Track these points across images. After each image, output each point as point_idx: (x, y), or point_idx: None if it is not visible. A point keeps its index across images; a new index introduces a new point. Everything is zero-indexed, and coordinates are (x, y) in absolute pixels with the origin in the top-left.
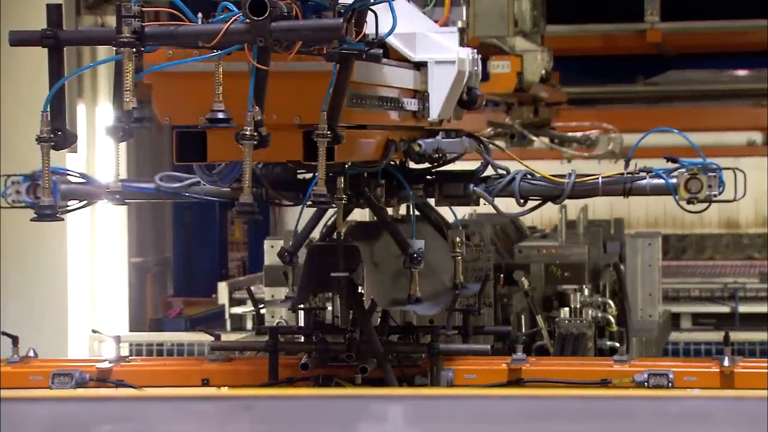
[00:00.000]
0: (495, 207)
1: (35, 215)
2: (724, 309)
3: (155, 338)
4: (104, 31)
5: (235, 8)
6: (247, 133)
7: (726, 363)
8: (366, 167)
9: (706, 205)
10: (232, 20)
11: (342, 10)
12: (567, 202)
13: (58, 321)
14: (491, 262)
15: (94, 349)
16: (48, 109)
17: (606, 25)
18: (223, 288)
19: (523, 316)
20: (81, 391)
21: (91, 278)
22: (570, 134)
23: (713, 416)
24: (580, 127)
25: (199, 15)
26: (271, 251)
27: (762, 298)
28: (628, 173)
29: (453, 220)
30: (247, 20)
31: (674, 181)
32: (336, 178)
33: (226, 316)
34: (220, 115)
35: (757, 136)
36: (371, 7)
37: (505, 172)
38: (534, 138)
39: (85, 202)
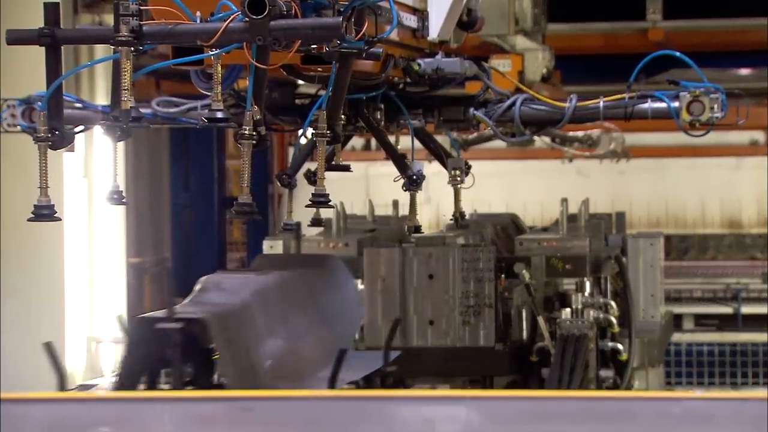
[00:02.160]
0: (494, 130)
1: (33, 215)
2: (727, 310)
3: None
4: (102, 30)
5: (233, 7)
6: (246, 132)
7: None
8: (365, 83)
9: (707, 129)
10: (230, 19)
11: (341, 9)
12: (568, 195)
13: (56, 322)
14: (492, 262)
15: (91, 351)
16: (46, 109)
17: (607, 24)
18: None
19: (523, 311)
20: (81, 393)
21: (89, 279)
22: (571, 133)
23: (715, 418)
24: (582, 126)
25: (198, 13)
26: (270, 251)
27: (765, 299)
28: (629, 97)
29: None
30: (246, 19)
31: (676, 104)
32: None
33: None
34: (219, 115)
35: (760, 136)
36: (371, 6)
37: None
38: (535, 137)
39: (82, 127)
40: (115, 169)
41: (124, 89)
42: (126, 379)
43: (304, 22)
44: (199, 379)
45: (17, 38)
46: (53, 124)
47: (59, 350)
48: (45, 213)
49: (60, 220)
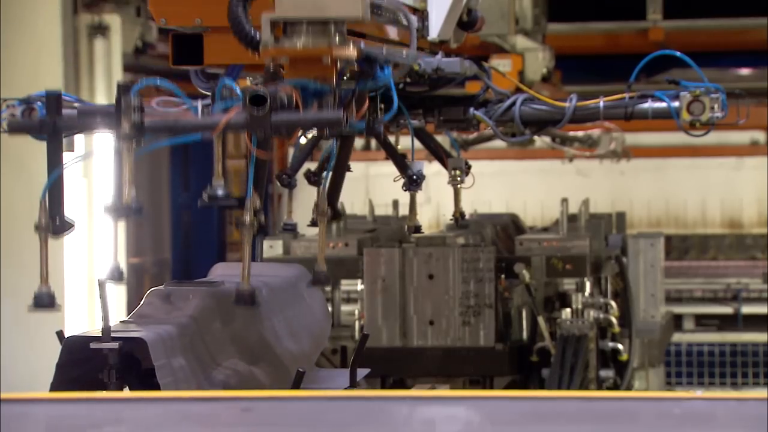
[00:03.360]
0: (495, 130)
1: (32, 305)
2: (727, 310)
3: None
4: (104, 118)
5: (233, 85)
6: (247, 221)
7: None
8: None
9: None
10: (231, 113)
11: (342, 94)
12: (568, 195)
13: (55, 322)
14: (492, 262)
15: None
16: (46, 198)
17: (607, 24)
18: None
19: (523, 311)
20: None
21: (89, 279)
22: (572, 133)
23: (715, 418)
24: (582, 126)
25: (198, 103)
26: (270, 251)
27: (765, 299)
28: (630, 97)
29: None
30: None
31: (676, 104)
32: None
33: None
34: (220, 192)
35: (761, 135)
36: (372, 94)
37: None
38: (535, 137)
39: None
40: (116, 247)
41: (126, 182)
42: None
43: (306, 117)
44: None
45: (19, 128)
46: (53, 212)
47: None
48: (45, 303)
49: (59, 311)
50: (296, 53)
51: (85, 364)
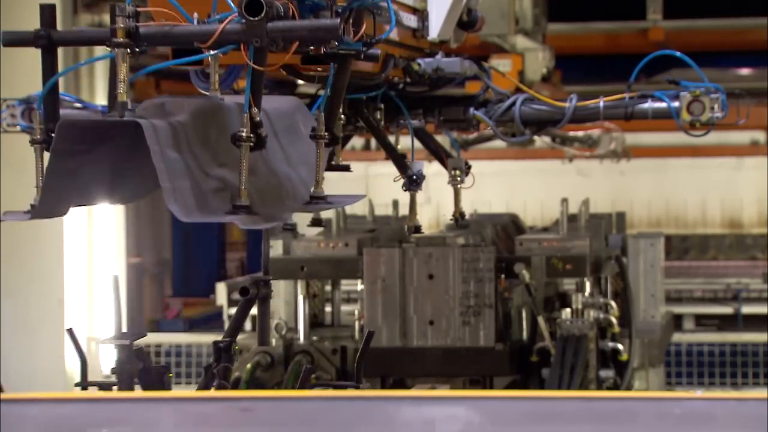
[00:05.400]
0: (495, 130)
1: (30, 213)
2: (727, 310)
3: (153, 339)
4: (98, 32)
5: (232, 5)
6: (243, 134)
7: None
8: (365, 82)
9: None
10: (227, 20)
11: (339, 10)
12: (568, 195)
13: (55, 322)
14: (492, 262)
15: (91, 351)
16: (42, 108)
17: (608, 24)
18: (221, 289)
19: (524, 311)
20: (80, 393)
21: (89, 278)
22: (572, 133)
23: (716, 418)
24: (582, 126)
25: (195, 14)
26: (270, 251)
27: (765, 299)
28: (630, 97)
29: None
30: (243, 20)
31: (676, 104)
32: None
33: (225, 317)
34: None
35: (761, 135)
36: (369, 7)
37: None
38: (535, 137)
39: None
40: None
41: (121, 81)
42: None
43: (301, 24)
44: None
45: (13, 40)
46: (49, 125)
47: (58, 350)
48: (42, 214)
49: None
50: None
51: (78, 153)
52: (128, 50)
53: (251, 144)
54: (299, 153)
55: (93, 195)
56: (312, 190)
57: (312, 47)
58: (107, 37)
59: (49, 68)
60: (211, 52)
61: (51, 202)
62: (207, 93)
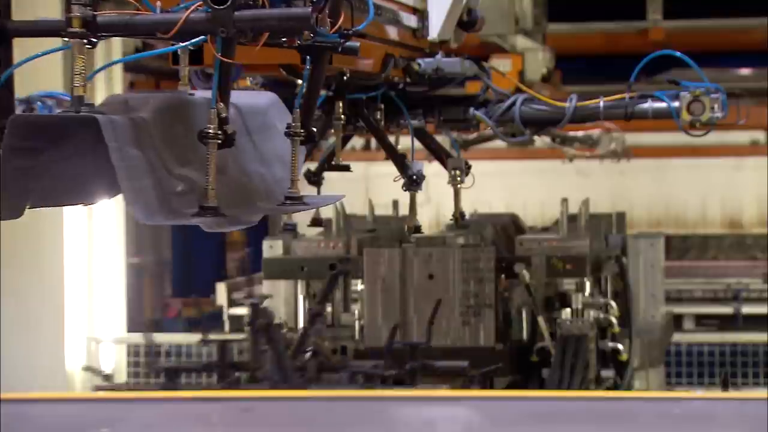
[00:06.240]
0: (495, 130)
1: None
2: (728, 310)
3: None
4: (54, 22)
5: None
6: (210, 131)
7: None
8: (364, 83)
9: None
10: (191, 9)
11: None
12: (568, 195)
13: (55, 321)
14: (492, 262)
15: (91, 351)
16: None
17: (608, 24)
18: (221, 288)
19: (524, 311)
20: (80, 393)
21: (89, 278)
22: (572, 133)
23: (716, 418)
24: (582, 126)
25: (158, 3)
26: (270, 251)
27: (765, 299)
28: (630, 97)
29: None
30: (208, 9)
31: (676, 104)
32: (335, 100)
33: (225, 316)
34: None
35: (761, 136)
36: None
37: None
38: (535, 137)
39: None
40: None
41: (77, 75)
42: None
43: (270, 13)
44: None
45: None
46: (2, 122)
47: (58, 350)
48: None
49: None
50: None
51: (35, 151)
52: (85, 41)
53: (219, 141)
54: (274, 151)
55: (53, 195)
56: (287, 190)
57: (285, 39)
58: (63, 27)
59: (4, 60)
60: (180, 45)
61: (3, 203)
62: (203, 90)
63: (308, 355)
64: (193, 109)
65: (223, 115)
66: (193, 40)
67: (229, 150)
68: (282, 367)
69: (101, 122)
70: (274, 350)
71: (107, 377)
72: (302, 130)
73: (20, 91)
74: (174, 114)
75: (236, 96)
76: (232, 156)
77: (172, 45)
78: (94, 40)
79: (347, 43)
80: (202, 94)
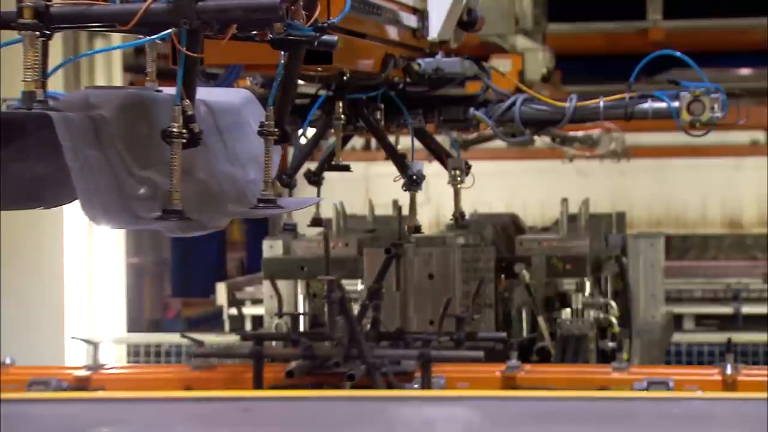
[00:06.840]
0: (495, 130)
1: None
2: (728, 310)
3: (153, 339)
4: (4, 13)
5: None
6: (174, 130)
7: (728, 371)
8: (364, 83)
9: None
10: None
11: None
12: (568, 195)
13: (55, 321)
14: (492, 262)
15: (90, 351)
16: None
17: (608, 24)
18: (221, 288)
19: (524, 311)
20: (80, 393)
21: (88, 278)
22: (572, 133)
23: (715, 418)
24: (582, 126)
25: None
26: (270, 251)
27: (765, 299)
28: (630, 97)
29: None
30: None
31: (676, 104)
32: (335, 100)
33: (225, 316)
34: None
35: (761, 136)
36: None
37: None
38: (535, 137)
39: None
40: None
41: (28, 69)
42: None
43: (237, 3)
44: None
45: None
46: None
47: (58, 350)
48: None
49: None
50: None
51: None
52: (37, 33)
53: (184, 141)
54: (249, 152)
55: (11, 198)
56: (261, 192)
57: (255, 32)
58: (13, 18)
59: None
60: (146, 38)
61: None
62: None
63: (368, 326)
64: (158, 107)
65: (189, 112)
66: (159, 34)
67: (196, 150)
68: (353, 333)
69: (54, 119)
70: (347, 319)
71: None
72: (276, 129)
73: (20, 91)
74: (137, 112)
75: (207, 93)
76: (200, 156)
77: (139, 39)
78: (47, 32)
79: (323, 37)
80: (169, 91)
